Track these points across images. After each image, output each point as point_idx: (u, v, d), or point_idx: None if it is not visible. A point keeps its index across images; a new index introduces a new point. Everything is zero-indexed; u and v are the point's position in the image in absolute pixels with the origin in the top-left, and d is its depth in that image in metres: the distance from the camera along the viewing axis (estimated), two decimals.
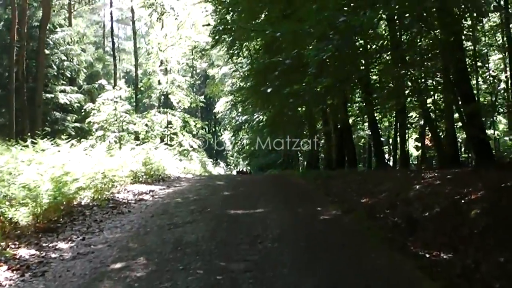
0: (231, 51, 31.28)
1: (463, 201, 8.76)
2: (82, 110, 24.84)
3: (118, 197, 14.03)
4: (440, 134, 21.21)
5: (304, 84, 17.55)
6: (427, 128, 27.23)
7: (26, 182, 9.88)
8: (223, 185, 18.91)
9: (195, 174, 29.78)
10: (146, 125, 31.80)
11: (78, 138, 19.75)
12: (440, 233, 8.01)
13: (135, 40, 43.51)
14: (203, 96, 55.67)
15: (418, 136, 31.57)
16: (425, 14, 13.41)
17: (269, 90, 18.05)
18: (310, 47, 12.00)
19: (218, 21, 28.69)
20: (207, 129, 56.31)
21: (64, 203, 11.22)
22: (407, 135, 28.80)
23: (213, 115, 65.86)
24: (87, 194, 12.87)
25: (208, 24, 29.76)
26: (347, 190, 14.61)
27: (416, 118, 28.24)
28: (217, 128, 71.27)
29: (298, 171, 36.17)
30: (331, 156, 28.41)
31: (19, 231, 8.88)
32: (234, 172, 62.07)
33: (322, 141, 35.67)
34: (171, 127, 40.16)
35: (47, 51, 33.90)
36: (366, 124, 34.13)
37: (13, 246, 8.08)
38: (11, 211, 8.84)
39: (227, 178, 25.61)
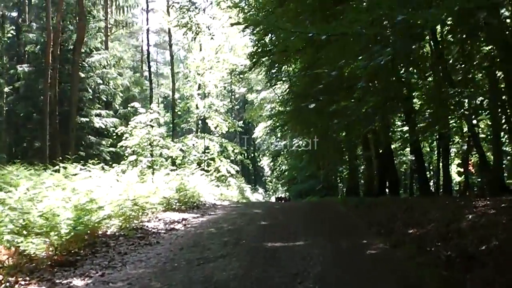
0: (269, 75, 30.59)
1: None
2: (114, 134, 24.12)
3: (147, 226, 13.10)
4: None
5: (352, 100, 16.58)
6: (471, 153, 26.26)
7: (45, 210, 9.07)
8: (260, 213, 17.88)
9: (232, 200, 28.96)
10: (181, 150, 31.12)
11: (111, 163, 19.19)
12: (501, 270, 6.93)
13: (172, 64, 43.24)
14: (241, 121, 55.07)
15: (460, 162, 30.65)
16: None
17: (311, 106, 17.04)
18: (360, 58, 10.91)
19: (256, 42, 27.95)
20: (245, 155, 55.62)
21: (89, 232, 10.38)
22: (449, 160, 27.77)
23: (252, 141, 65.38)
24: (114, 223, 12.01)
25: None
26: (392, 219, 13.42)
27: (459, 143, 27.33)
28: (256, 153, 70.76)
29: (337, 198, 35.36)
30: (372, 183, 27.57)
31: (34, 264, 8.03)
32: (273, 199, 61.49)
33: (362, 167, 35.08)
34: (208, 152, 39.52)
35: (82, 75, 33.78)
36: (408, 149, 33.34)
37: (23, 282, 7.20)
38: (24, 243, 8.00)
39: (265, 206, 24.36)
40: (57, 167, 14.57)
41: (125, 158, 19.84)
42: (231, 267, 7.99)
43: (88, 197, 10.88)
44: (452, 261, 7.90)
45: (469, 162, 28.07)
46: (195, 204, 19.71)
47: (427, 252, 8.80)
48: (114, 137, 25.66)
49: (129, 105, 25.02)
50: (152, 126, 19.92)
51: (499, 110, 15.97)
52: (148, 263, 8.65)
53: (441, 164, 28.13)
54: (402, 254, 9.04)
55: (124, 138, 19.84)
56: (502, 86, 15.11)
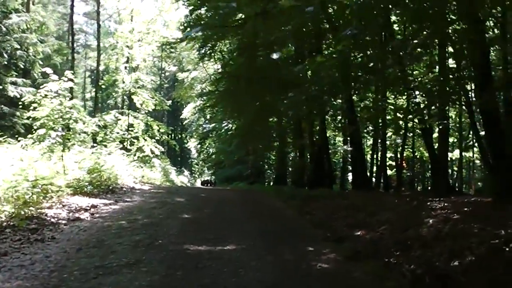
0: (202, 51, 28.86)
1: (507, 248, 6.45)
2: (20, 105, 21.23)
3: (47, 214, 10.80)
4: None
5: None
6: (404, 147, 25.65)
7: None
8: (183, 203, 15.77)
9: (155, 184, 26.89)
10: (99, 126, 28.83)
11: (16, 136, 16.79)
12: None
13: (98, 32, 40.58)
14: (170, 101, 53.04)
15: (392, 155, 30.28)
16: None
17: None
18: None
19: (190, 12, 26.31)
20: (172, 135, 53.81)
21: None
22: (385, 154, 26.94)
23: (179, 121, 63.87)
24: (5, 209, 9.79)
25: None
26: (335, 218, 12.02)
27: (393, 136, 26.81)
28: (183, 135, 69.43)
29: (266, 186, 34.60)
30: (303, 172, 26.74)
31: None
32: (198, 182, 60.69)
33: (291, 156, 34.88)
34: (132, 131, 37.25)
35: None
36: (341, 139, 32.96)
37: None
38: None
39: (189, 193, 21.85)
40: None
41: (33, 132, 17.37)
42: (138, 284, 5.98)
43: None
44: (420, 280, 6.35)
45: (403, 157, 27.47)
46: (110, 187, 17.52)
47: (387, 266, 7.22)
48: (20, 107, 22.96)
49: (39, 70, 22.29)
50: (65, 97, 17.48)
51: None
52: (30, 271, 6.51)
53: (375, 156, 27.39)
54: (362, 271, 7.18)
55: (31, 108, 17.32)
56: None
